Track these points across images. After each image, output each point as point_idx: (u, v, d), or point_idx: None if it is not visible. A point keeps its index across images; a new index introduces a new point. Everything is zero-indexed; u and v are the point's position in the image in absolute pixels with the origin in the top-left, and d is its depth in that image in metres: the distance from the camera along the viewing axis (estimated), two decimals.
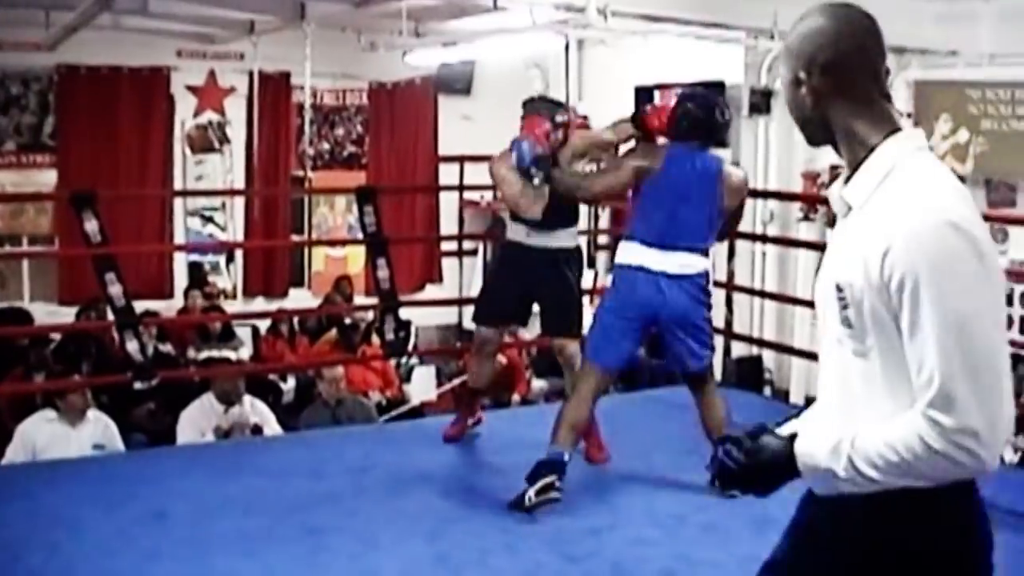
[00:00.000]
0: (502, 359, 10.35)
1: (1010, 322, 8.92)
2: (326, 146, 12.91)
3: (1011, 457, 7.79)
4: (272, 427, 7.82)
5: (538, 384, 10.53)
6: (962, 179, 6.98)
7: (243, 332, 11.31)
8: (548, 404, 9.67)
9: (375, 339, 9.73)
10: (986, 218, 8.11)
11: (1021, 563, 4.70)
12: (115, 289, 6.09)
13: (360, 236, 7.08)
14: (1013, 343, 8.50)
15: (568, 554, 4.78)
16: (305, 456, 6.08)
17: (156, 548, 4.75)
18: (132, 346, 6.27)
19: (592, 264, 10.27)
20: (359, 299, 11.88)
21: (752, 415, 4.95)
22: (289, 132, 12.59)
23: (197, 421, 7.55)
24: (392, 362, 9.67)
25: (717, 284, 4.89)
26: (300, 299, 12.70)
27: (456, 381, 10.25)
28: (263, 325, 11.55)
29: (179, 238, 12.35)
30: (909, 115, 9.14)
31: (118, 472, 5.85)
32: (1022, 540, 4.98)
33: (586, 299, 6.42)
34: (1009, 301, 8.91)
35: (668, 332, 5.36)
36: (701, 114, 5.33)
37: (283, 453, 6.31)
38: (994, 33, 8.65)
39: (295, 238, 12.87)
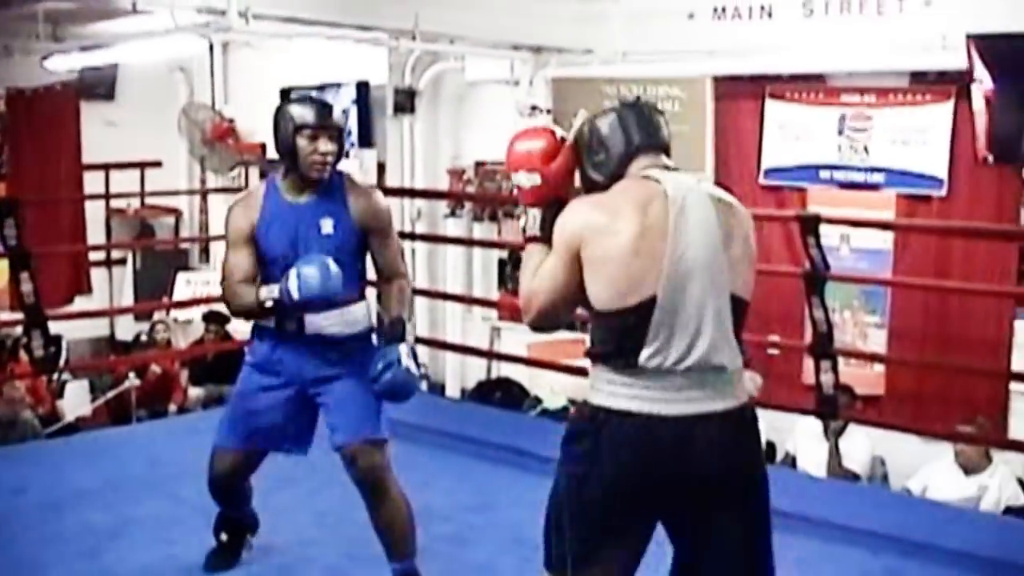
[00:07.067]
0: (156, 368, 10.20)
1: None
2: None
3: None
4: None
5: (195, 392, 10.39)
6: None
7: None
8: (206, 411, 9.59)
9: (23, 355, 9.43)
10: None
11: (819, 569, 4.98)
12: None
13: (1, 249, 6.85)
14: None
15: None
16: None
17: None
18: None
19: None
20: (4, 315, 11.44)
21: (410, 411, 5.08)
22: None
23: None
24: (43, 378, 9.37)
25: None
26: None
27: (111, 394, 10.03)
28: None
29: None
30: (549, 111, 9.43)
31: None
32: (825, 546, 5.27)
33: None
34: None
35: None
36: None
37: None
38: (625, 32, 9.02)
39: None
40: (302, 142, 4.04)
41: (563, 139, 3.24)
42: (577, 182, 3.24)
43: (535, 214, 3.22)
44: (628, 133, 3.14)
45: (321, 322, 4.18)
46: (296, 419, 4.33)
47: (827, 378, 6.00)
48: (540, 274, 3.11)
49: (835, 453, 7.24)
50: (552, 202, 3.19)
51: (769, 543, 3.12)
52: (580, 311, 3.13)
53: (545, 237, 3.16)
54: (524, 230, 3.25)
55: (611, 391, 3.01)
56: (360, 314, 4.32)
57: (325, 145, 4.06)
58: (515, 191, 3.28)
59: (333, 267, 3.99)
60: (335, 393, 4.23)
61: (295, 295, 3.95)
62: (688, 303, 2.96)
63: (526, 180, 3.21)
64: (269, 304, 4.04)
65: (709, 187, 3.15)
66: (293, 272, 3.96)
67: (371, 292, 4.40)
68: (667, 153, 3.20)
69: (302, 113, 4.06)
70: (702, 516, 3.04)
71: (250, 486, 4.64)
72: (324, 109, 4.13)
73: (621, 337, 2.97)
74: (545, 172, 3.19)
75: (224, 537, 4.72)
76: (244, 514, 4.73)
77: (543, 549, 3.16)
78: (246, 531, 4.77)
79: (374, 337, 4.33)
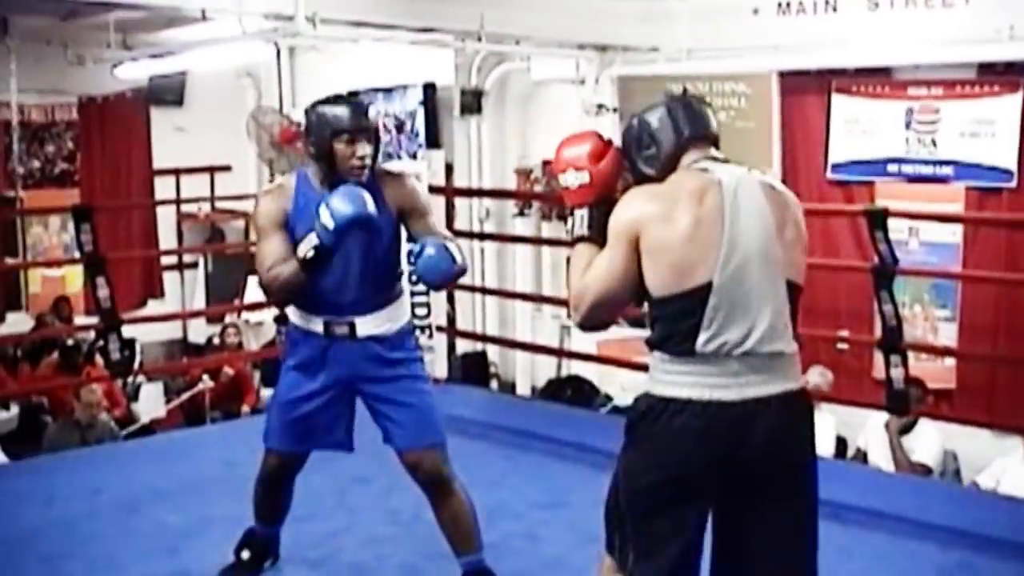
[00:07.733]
0: (228, 370, 10.31)
1: None
2: (36, 164, 12.56)
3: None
4: None
5: (267, 393, 10.48)
6: None
7: None
8: None
9: (99, 359, 9.56)
10: None
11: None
12: None
13: (77, 255, 6.96)
14: None
15: (307, 558, 4.84)
16: (34, 483, 5.93)
17: None
18: None
19: None
20: (80, 319, 11.61)
21: (481, 409, 5.13)
22: None
23: None
24: (118, 381, 9.50)
25: None
26: (18, 323, 12.29)
27: (185, 396, 10.15)
28: None
29: None
30: (615, 110, 9.44)
31: None
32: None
33: None
34: None
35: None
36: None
37: (9, 482, 6.15)
38: (690, 30, 9.02)
39: (9, 261, 12.46)
40: (340, 146, 3.96)
41: (609, 141, 3.29)
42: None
43: (582, 214, 3.24)
44: (678, 126, 3.15)
45: (371, 325, 4.15)
46: (343, 418, 4.31)
47: (897, 373, 5.96)
48: (593, 270, 3.10)
49: (898, 448, 7.19)
50: (599, 202, 3.22)
51: (814, 534, 3.12)
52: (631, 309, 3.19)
53: (592, 236, 3.19)
54: (571, 231, 3.27)
55: (670, 380, 3.02)
56: (402, 309, 4.30)
57: (363, 148, 3.98)
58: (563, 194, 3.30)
59: (360, 190, 3.86)
60: (391, 395, 4.20)
61: (330, 225, 3.77)
62: (744, 289, 2.97)
63: (574, 179, 3.24)
64: (311, 255, 3.83)
65: (759, 175, 3.14)
66: (321, 208, 3.80)
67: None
68: (716, 145, 3.20)
69: (338, 116, 3.97)
70: (751, 503, 3.03)
71: (288, 504, 4.59)
72: (360, 111, 4.04)
73: (678, 322, 2.98)
74: (593, 171, 3.23)
75: (246, 555, 4.60)
76: (273, 533, 4.65)
77: (604, 532, 3.22)
78: (267, 555, 4.68)
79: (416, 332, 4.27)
